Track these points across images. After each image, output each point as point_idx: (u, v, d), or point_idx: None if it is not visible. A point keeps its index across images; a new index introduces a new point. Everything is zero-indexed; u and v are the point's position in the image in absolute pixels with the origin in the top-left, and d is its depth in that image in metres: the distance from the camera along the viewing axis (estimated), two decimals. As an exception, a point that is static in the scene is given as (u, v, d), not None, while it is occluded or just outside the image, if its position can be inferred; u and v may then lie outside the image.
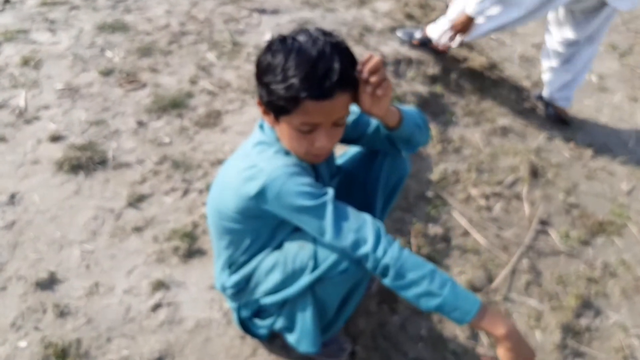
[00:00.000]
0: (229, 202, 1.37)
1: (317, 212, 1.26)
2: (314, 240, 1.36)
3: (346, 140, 1.63)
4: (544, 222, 2.58)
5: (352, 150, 1.74)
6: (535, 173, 2.86)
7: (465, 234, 2.39)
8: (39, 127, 2.40)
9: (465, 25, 3.04)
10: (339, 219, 1.26)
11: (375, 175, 1.66)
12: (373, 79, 1.23)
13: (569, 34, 2.99)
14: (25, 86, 2.62)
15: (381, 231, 1.27)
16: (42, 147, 2.30)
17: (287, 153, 1.36)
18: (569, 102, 3.25)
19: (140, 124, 2.47)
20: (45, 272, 1.83)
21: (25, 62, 2.76)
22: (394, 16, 3.73)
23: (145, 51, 2.94)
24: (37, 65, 2.76)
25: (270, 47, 1.25)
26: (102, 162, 2.24)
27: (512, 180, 2.77)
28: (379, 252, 1.24)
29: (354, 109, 1.57)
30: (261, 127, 1.42)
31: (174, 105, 2.58)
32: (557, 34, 3.06)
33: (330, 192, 1.29)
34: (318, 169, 1.50)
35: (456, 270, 2.20)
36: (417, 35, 3.32)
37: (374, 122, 1.55)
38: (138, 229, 2.01)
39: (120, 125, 2.45)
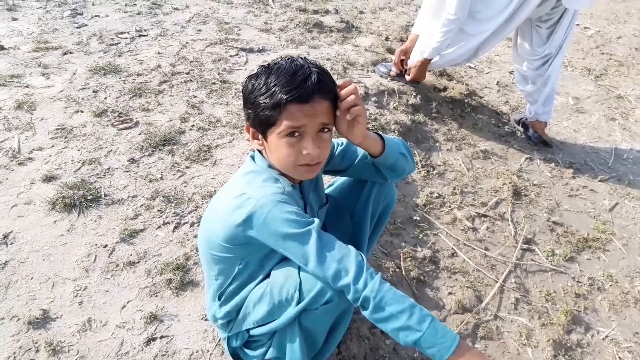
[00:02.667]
0: (218, 231, 1.35)
1: (302, 239, 1.24)
2: (300, 270, 1.33)
3: (335, 170, 1.62)
4: (529, 241, 2.56)
5: (341, 179, 1.73)
6: (518, 194, 2.85)
7: (453, 255, 2.37)
8: (32, 168, 2.37)
9: (423, 66, 3.13)
10: (323, 248, 1.25)
11: (363, 203, 1.65)
12: (349, 99, 1.28)
13: (540, 50, 3.05)
14: (19, 129, 2.60)
15: (364, 263, 1.25)
16: (35, 187, 2.27)
17: (276, 180, 1.35)
18: (551, 115, 3.28)
19: (132, 161, 2.45)
20: (38, 311, 1.78)
21: (19, 105, 2.75)
22: (375, 50, 3.78)
23: (137, 91, 2.94)
24: (31, 109, 2.75)
25: (253, 74, 1.32)
26: (95, 200, 2.21)
27: (496, 201, 2.76)
28: (360, 284, 1.22)
29: (342, 140, 1.57)
30: (252, 158, 1.42)
31: (166, 142, 2.57)
32: (528, 54, 3.11)
33: (316, 221, 1.27)
34: (307, 198, 1.49)
35: (445, 292, 2.16)
36: (394, 68, 3.37)
37: (360, 152, 1.55)
38: (131, 264, 1.97)
39: (113, 163, 2.43)
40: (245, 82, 1.33)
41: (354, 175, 1.64)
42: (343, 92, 1.29)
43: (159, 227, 2.12)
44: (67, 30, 3.61)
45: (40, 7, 3.92)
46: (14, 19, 3.70)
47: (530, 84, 3.21)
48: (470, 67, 4.09)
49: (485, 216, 2.65)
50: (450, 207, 2.64)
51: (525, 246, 2.52)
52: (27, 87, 2.93)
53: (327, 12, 4.40)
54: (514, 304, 2.18)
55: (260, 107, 1.26)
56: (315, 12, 4.35)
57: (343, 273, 1.23)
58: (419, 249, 2.32)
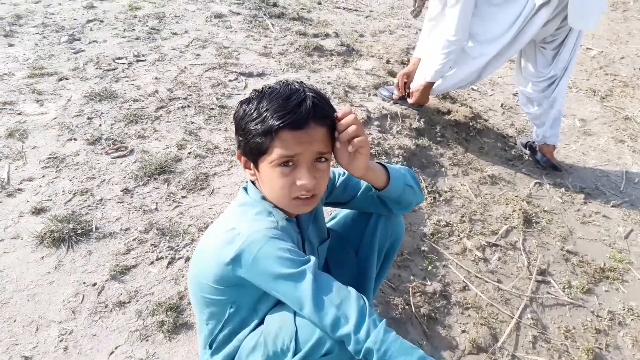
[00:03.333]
0: (208, 270, 1.20)
1: (296, 281, 1.10)
2: (296, 316, 1.18)
3: (337, 203, 1.48)
4: (543, 272, 2.40)
5: (344, 212, 1.59)
6: (529, 221, 2.70)
7: (465, 288, 2.21)
8: (21, 200, 2.23)
9: (426, 90, 3.02)
10: (320, 290, 1.10)
11: (369, 238, 1.50)
12: (350, 130, 1.16)
13: (545, 71, 2.93)
14: (10, 158, 2.46)
15: (366, 309, 1.10)
16: (24, 220, 2.12)
17: (269, 213, 1.21)
18: (558, 138, 3.15)
19: (126, 191, 2.30)
20: (19, 358, 1.62)
21: (10, 133, 2.62)
22: (377, 73, 3.67)
23: (133, 118, 2.81)
24: (23, 137, 2.62)
25: (245, 99, 1.21)
26: (86, 234, 2.07)
27: (506, 229, 2.61)
28: (362, 333, 1.07)
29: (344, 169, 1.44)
30: (245, 189, 1.29)
31: (161, 170, 2.43)
32: (533, 75, 2.99)
33: (312, 260, 1.13)
34: (305, 233, 1.34)
35: (458, 329, 2.00)
36: (397, 91, 3.25)
37: (364, 183, 1.41)
38: (121, 304, 1.81)
39: (106, 194, 2.28)
40: (237, 107, 1.22)
41: (357, 207, 1.50)
42: (343, 123, 1.17)
43: (152, 262, 1.97)
44: (64, 55, 3.50)
45: (38, 33, 3.82)
46: (10, 45, 3.59)
47: (536, 106, 3.08)
48: (473, 89, 3.97)
49: (496, 245, 2.49)
50: (459, 236, 2.49)
51: (539, 278, 2.36)
52: (19, 114, 2.81)
53: (327, 35, 4.30)
54: (532, 342, 2.02)
55: (251, 133, 1.15)
56: (315, 35, 4.25)
57: (342, 320, 1.08)
58: (429, 283, 2.16)
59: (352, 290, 1.13)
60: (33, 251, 1.99)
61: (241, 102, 1.21)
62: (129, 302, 1.82)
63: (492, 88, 4.05)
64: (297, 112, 1.11)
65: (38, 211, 2.16)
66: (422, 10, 3.21)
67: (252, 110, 1.15)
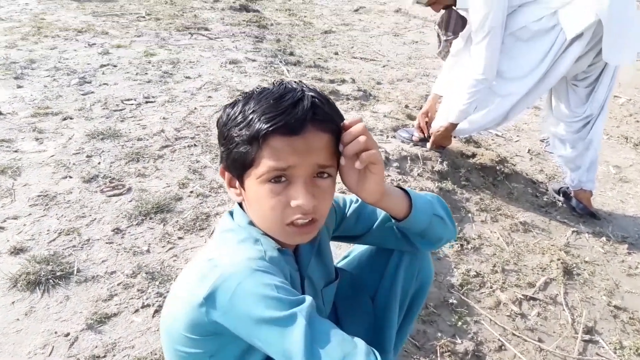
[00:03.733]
0: (180, 314, 0.92)
1: (283, 327, 0.81)
2: None
3: (348, 236, 1.20)
4: (590, 330, 2.05)
5: (358, 249, 1.31)
6: (569, 272, 2.37)
7: (501, 348, 1.87)
8: (1, 239, 1.99)
9: (448, 131, 2.79)
10: (315, 341, 0.81)
11: (390, 281, 1.20)
12: (359, 140, 0.91)
13: (580, 111, 2.67)
14: (-3, 195, 2.26)
15: None
16: (0, 260, 1.88)
17: (256, 241, 0.95)
18: (595, 184, 2.85)
19: (117, 231, 2.06)
20: (-35, 423, 1.34)
21: (2, 170, 2.42)
22: (395, 116, 3.46)
23: (135, 156, 2.61)
24: (15, 174, 2.42)
25: (231, 102, 0.97)
26: (65, 277, 1.81)
27: (544, 281, 2.28)
28: None
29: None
30: (231, 214, 1.03)
31: (158, 209, 2.19)
32: (566, 115, 2.74)
33: (308, 300, 0.85)
34: (305, 269, 1.06)
35: (497, 398, 1.66)
36: (417, 133, 3.02)
37: (382, 211, 1.14)
38: (94, 359, 1.52)
39: (94, 234, 2.04)
40: (221, 112, 0.97)
41: (374, 242, 1.22)
42: (350, 132, 0.92)
43: (136, 310, 1.69)
44: (72, 96, 3.38)
45: (49, 76, 3.73)
46: (19, 87, 3.49)
47: (570, 148, 2.80)
48: (497, 135, 3.73)
49: (535, 299, 2.16)
50: (491, 288, 2.17)
51: (586, 337, 2.01)
52: (16, 151, 2.63)
53: (343, 81, 4.15)
54: (587, 416, 1.66)
55: (234, 141, 0.91)
56: (332, 81, 4.10)
57: None
58: (459, 341, 1.83)
59: (360, 343, 0.84)
60: (4, 295, 1.73)
61: (225, 106, 0.97)
62: (104, 356, 1.53)
63: (518, 134, 3.80)
64: (292, 113, 0.87)
65: (17, 251, 1.92)
66: (449, 51, 3.03)
67: (237, 114, 0.92)
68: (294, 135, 0.88)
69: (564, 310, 2.14)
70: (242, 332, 0.85)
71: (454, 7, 2.76)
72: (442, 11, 2.82)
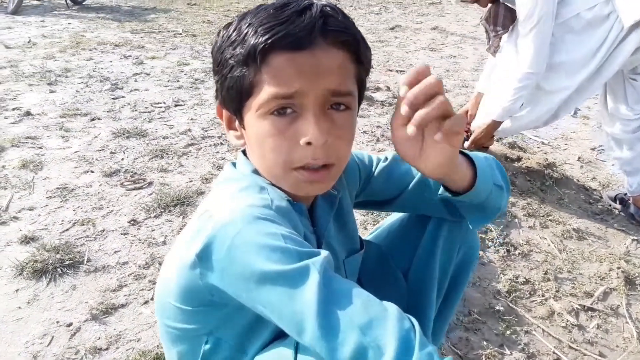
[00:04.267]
0: (171, 281, 0.75)
1: (292, 283, 0.63)
2: (298, 353, 0.70)
3: (374, 202, 1.01)
4: (660, 347, 1.78)
5: (388, 220, 1.11)
6: (631, 282, 2.09)
7: (557, 362, 1.62)
8: (13, 228, 1.89)
9: (489, 129, 2.57)
10: (331, 300, 0.62)
11: (426, 255, 0.99)
12: (434, 111, 0.64)
13: (638, 108, 2.41)
14: (16, 187, 2.17)
15: (414, 335, 0.60)
16: (10, 249, 1.76)
17: (262, 189, 0.77)
18: None
19: (134, 222, 1.93)
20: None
21: (24, 164, 2.34)
22: (434, 120, 3.27)
23: (159, 153, 2.50)
24: (37, 168, 2.33)
25: (227, 23, 0.79)
26: (74, 266, 1.67)
27: (604, 291, 2.01)
28: None
29: (387, 154, 1.00)
30: (234, 164, 0.86)
31: (178, 202, 2.05)
32: (622, 113, 2.48)
33: (322, 253, 0.66)
34: (322, 230, 0.87)
35: (556, 417, 1.41)
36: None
37: (417, 171, 0.95)
38: (96, 351, 1.36)
39: (110, 225, 1.91)
40: (215, 37, 0.80)
41: (407, 208, 1.02)
42: (422, 87, 0.64)
43: (145, 302, 1.53)
44: (102, 100, 3.33)
45: (82, 82, 3.71)
46: (52, 91, 3.48)
47: (627, 149, 2.54)
48: (543, 142, 3.48)
49: (593, 310, 1.90)
50: (543, 296, 1.92)
51: (657, 353, 1.74)
52: (40, 147, 2.56)
53: (378, 89, 4.00)
54: None
55: (227, 65, 0.74)
56: (366, 88, 3.96)
57: (372, 353, 0.59)
58: (508, 352, 1.60)
59: (391, 307, 0.64)
60: (9, 282, 1.61)
61: (219, 30, 0.81)
62: (106, 348, 1.37)
63: (566, 142, 3.54)
64: (296, 22, 0.70)
65: (28, 240, 1.81)
66: (499, 45, 2.84)
67: (231, 32, 0.75)
68: (300, 50, 0.70)
69: (627, 322, 1.87)
70: (243, 296, 0.67)
71: (500, 0, 2.58)
72: (489, 5, 2.64)
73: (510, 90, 2.43)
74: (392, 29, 7.43)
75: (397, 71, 5.06)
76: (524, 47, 2.37)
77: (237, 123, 0.80)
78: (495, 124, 2.57)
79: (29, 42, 4.88)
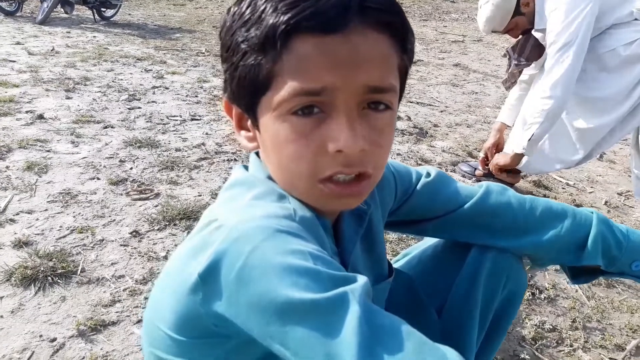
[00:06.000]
0: (164, 306, 0.61)
1: (325, 320, 0.49)
2: None
3: (410, 222, 0.88)
4: (703, 413, 1.59)
5: (421, 246, 0.97)
6: (666, 339, 1.92)
7: (590, 422, 1.44)
8: (8, 231, 1.77)
9: (511, 162, 2.41)
10: (376, 341, 0.48)
11: (465, 288, 0.85)
12: None
13: None
14: (17, 189, 2.06)
15: None
16: (1, 253, 1.64)
17: (281, 197, 0.63)
18: None
19: (136, 234, 1.80)
20: None
21: (29, 167, 2.24)
22: (454, 152, 3.15)
23: (169, 164, 2.39)
24: (42, 171, 2.23)
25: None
26: (66, 275, 1.54)
27: (636, 345, 1.84)
28: None
29: (428, 168, 0.87)
30: (245, 167, 0.72)
31: (185, 216, 1.92)
32: None
33: (361, 280, 0.53)
34: (349, 253, 0.72)
35: None
36: (481, 167, 2.68)
37: (470, 191, 0.83)
38: (77, 372, 1.22)
39: (110, 235, 1.79)
40: (223, 16, 0.65)
41: (446, 233, 0.89)
42: None
43: (138, 321, 1.39)
44: (118, 110, 3.26)
45: (99, 92, 3.65)
46: (68, 98, 3.41)
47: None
48: (569, 184, 3.33)
49: (627, 365, 1.72)
50: (572, 346, 1.75)
51: (701, 421, 1.55)
52: (48, 151, 2.46)
53: (399, 118, 3.89)
54: None
55: (239, 50, 0.60)
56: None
57: None
58: (535, 405, 1.42)
59: (450, 352, 0.50)
60: (-7, 289, 1.48)
61: (231, 6, 0.65)
62: (89, 370, 1.23)
63: (592, 185, 3.38)
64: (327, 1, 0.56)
65: (21, 244, 1.68)
66: (516, 81, 2.72)
67: (245, 8, 0.60)
68: (331, 32, 0.56)
69: (665, 383, 1.68)
70: (255, 329, 0.53)
71: (532, 32, 2.46)
72: (520, 37, 2.53)
73: (533, 117, 2.27)
74: (414, 63, 7.39)
75: (417, 103, 4.97)
76: (551, 69, 2.21)
77: (249, 122, 0.66)
78: (517, 157, 2.41)
79: (52, 50, 4.87)
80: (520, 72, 2.65)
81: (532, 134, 2.26)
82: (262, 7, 0.57)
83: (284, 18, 0.55)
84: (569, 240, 0.85)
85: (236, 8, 0.62)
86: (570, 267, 0.94)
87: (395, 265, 0.95)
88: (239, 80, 0.62)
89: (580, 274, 0.92)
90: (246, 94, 0.62)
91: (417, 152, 2.96)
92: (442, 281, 0.88)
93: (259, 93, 0.61)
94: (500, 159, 2.47)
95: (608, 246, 0.85)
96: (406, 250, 1.00)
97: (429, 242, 0.96)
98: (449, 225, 0.85)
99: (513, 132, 2.48)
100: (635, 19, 2.15)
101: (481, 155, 2.65)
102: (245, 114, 0.66)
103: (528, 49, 2.52)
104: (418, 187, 0.85)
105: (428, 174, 0.86)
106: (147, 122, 3.05)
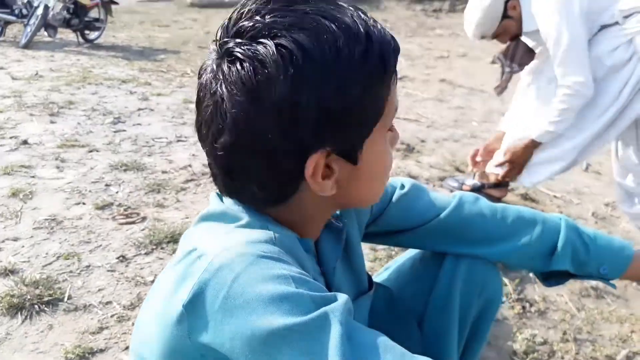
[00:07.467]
0: (150, 340, 0.62)
1: (309, 342, 0.51)
2: None
3: (386, 233, 0.91)
4: (695, 422, 1.61)
5: (400, 260, 1.00)
6: (656, 348, 1.95)
7: None
8: (-7, 260, 1.77)
9: (527, 152, 2.39)
10: (357, 358, 0.51)
11: (443, 298, 0.88)
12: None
13: None
14: (2, 216, 2.06)
15: None
16: (-15, 282, 1.64)
17: (262, 225, 0.65)
18: None
19: (122, 259, 1.80)
20: None
21: (14, 193, 2.24)
22: (441, 167, 3.19)
23: (156, 187, 2.41)
24: (27, 197, 2.23)
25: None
26: (53, 303, 1.54)
27: (626, 355, 1.86)
28: None
29: (403, 180, 0.90)
30: (219, 196, 0.72)
31: (172, 239, 1.93)
32: (634, 164, 2.34)
33: (341, 298, 0.55)
34: (331, 271, 0.75)
35: None
36: (469, 181, 2.71)
37: (444, 201, 0.86)
38: (65, 402, 1.22)
39: (96, 261, 1.79)
40: (292, 51, 0.58)
41: (422, 243, 0.92)
42: None
43: (127, 347, 1.39)
44: (102, 133, 3.27)
45: (84, 115, 3.66)
46: (52, 122, 3.42)
47: (639, 203, 2.43)
48: (556, 196, 3.39)
49: (618, 376, 1.75)
50: (562, 358, 1.77)
51: None
52: (33, 177, 2.46)
53: (386, 135, 3.94)
54: None
55: (357, 87, 0.59)
56: (373, 134, 3.90)
57: None
58: (527, 420, 1.44)
59: None
60: (-21, 319, 1.47)
61: (294, 42, 0.57)
62: (77, 399, 1.22)
63: (579, 197, 3.44)
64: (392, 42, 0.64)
65: (7, 272, 1.68)
66: (507, 86, 2.76)
67: (343, 47, 0.58)
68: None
69: (657, 393, 1.71)
70: (242, 357, 0.53)
71: (521, 38, 2.50)
72: (509, 42, 2.58)
73: (556, 105, 2.23)
74: (400, 79, 7.49)
75: (404, 119, 5.03)
76: (563, 64, 2.18)
77: (336, 165, 0.64)
78: (533, 144, 2.36)
79: (35, 75, 4.89)
80: (511, 77, 2.69)
81: (558, 120, 2.22)
82: (367, 46, 0.60)
83: (388, 38, 0.62)
84: (539, 247, 0.89)
85: (326, 46, 0.58)
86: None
87: (376, 279, 0.97)
88: (359, 118, 0.62)
89: (550, 276, 0.96)
90: (362, 129, 0.63)
91: (405, 168, 3.00)
92: (420, 292, 0.91)
93: (370, 127, 0.64)
94: (511, 153, 2.40)
95: (576, 252, 0.88)
96: (387, 264, 1.03)
97: (408, 254, 0.98)
98: (425, 236, 0.88)
99: (521, 127, 2.45)
100: (617, 22, 2.18)
101: (471, 153, 2.64)
102: (339, 155, 0.63)
103: (519, 55, 2.55)
104: (393, 199, 0.88)
105: (402, 186, 0.89)
106: (133, 144, 3.07)
